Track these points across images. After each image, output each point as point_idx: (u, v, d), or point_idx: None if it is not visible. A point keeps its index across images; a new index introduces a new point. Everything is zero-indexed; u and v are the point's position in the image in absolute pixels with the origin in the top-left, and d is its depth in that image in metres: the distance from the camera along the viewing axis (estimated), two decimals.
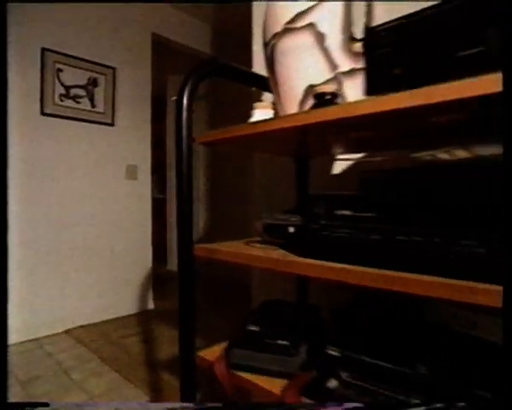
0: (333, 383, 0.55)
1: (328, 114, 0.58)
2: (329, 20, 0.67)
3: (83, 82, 2.59)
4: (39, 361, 2.03)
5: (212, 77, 0.83)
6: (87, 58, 2.59)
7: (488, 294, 0.42)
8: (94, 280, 2.63)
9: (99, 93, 2.68)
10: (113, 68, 2.73)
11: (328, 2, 0.68)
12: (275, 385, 0.63)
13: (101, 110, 2.69)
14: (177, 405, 1.03)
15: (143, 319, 2.74)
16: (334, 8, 0.67)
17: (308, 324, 0.72)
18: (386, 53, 0.56)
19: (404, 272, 0.49)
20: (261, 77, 0.89)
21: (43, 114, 2.40)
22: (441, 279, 0.46)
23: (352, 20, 0.67)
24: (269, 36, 0.74)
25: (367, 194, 0.57)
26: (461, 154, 0.62)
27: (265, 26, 0.76)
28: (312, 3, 0.67)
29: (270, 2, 0.75)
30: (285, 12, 0.70)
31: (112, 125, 2.75)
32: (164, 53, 3.45)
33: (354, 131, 0.66)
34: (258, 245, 0.77)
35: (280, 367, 0.62)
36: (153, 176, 3.05)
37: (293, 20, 0.69)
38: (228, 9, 3.12)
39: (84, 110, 2.60)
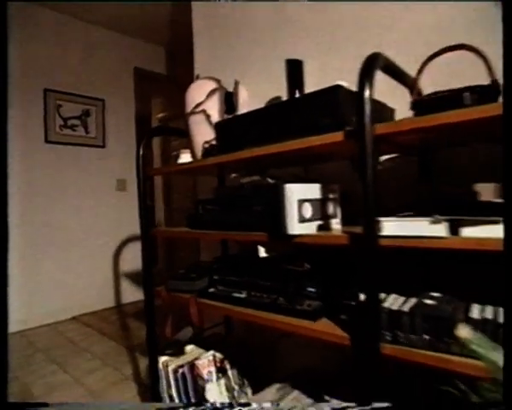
0: (212, 290, 1.13)
1: (217, 159, 1.15)
2: (213, 107, 1.25)
3: (78, 113, 3.17)
4: (54, 337, 2.61)
5: (159, 135, 1.41)
6: (80, 93, 3.17)
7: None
8: (96, 274, 3.20)
9: (91, 121, 3.25)
10: (102, 100, 3.31)
11: (214, 96, 1.26)
12: (187, 297, 1.19)
13: (94, 135, 3.27)
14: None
15: (139, 305, 3.29)
16: (216, 101, 1.25)
17: (208, 266, 1.29)
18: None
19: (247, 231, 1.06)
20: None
21: (46, 141, 2.97)
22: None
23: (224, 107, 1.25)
24: (186, 111, 1.32)
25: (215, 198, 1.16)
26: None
27: (185, 106, 1.34)
28: (207, 98, 1.26)
29: (187, 92, 1.33)
30: (192, 101, 1.29)
31: (103, 146, 3.32)
32: (146, 79, 4.03)
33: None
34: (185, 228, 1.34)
35: (190, 288, 1.20)
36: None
37: (196, 106, 1.28)
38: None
39: (79, 136, 3.17)
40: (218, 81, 1.30)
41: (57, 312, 2.97)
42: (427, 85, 0.87)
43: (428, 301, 0.71)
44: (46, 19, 2.98)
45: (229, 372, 1.35)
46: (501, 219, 0.59)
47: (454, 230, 0.64)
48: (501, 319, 0.63)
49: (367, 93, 0.70)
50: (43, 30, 2.97)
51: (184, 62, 1.94)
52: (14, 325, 2.65)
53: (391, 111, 1.00)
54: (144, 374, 1.90)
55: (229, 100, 1.30)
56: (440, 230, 0.64)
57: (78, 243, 3.13)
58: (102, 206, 3.29)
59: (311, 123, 0.87)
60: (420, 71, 0.86)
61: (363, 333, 0.75)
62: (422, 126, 0.68)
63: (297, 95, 1.12)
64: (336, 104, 0.81)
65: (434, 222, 0.64)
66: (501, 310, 0.67)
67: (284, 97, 1.22)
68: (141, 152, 1.34)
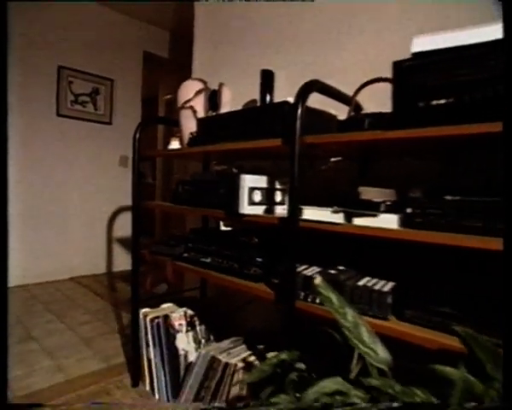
0: (185, 255, 1.39)
1: (197, 149, 1.40)
2: (199, 104, 1.49)
3: (88, 91, 3.40)
4: (53, 293, 2.90)
5: (153, 124, 1.65)
6: (91, 72, 3.40)
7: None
8: (93, 241, 3.48)
9: (100, 99, 3.49)
10: (112, 80, 3.54)
11: (201, 95, 1.50)
12: (166, 259, 1.44)
13: (102, 112, 3.51)
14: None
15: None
16: (202, 99, 1.49)
17: (186, 236, 1.54)
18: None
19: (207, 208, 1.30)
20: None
21: (58, 115, 3.22)
22: None
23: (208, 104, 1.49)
24: (178, 106, 1.56)
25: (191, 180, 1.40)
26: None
27: (177, 100, 1.57)
28: (194, 96, 1.49)
29: (179, 89, 1.56)
30: (182, 97, 1.52)
31: (110, 123, 3.57)
32: (154, 62, 4.24)
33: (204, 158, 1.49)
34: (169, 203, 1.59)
35: (169, 252, 1.45)
36: (146, 163, 3.88)
37: (185, 102, 1.51)
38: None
39: (88, 112, 3.41)
40: (204, 83, 1.53)
41: (56, 271, 3.26)
42: (373, 104, 1.08)
43: (332, 271, 0.95)
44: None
45: (198, 328, 1.61)
46: (378, 212, 0.83)
47: (349, 219, 0.89)
48: (385, 288, 0.87)
49: (299, 111, 0.93)
50: (57, 10, 3.18)
51: (190, 48, 2.17)
52: (15, 279, 2.94)
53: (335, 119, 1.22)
54: (128, 328, 2.18)
55: (214, 98, 1.54)
56: (339, 218, 0.88)
57: (78, 213, 3.40)
58: (104, 179, 3.54)
59: (267, 128, 1.11)
60: (354, 94, 1.10)
61: (284, 292, 1.00)
62: (333, 141, 0.91)
63: (267, 100, 1.36)
64: (283, 116, 1.04)
65: (335, 212, 0.88)
66: (390, 283, 0.91)
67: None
68: (137, 136, 1.58)
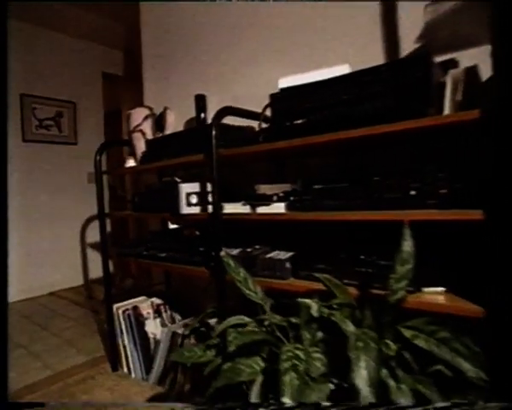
0: (145, 252, 1.68)
1: (146, 166, 1.69)
2: (148, 127, 1.78)
3: (51, 115, 3.62)
4: (34, 307, 3.12)
5: (111, 147, 1.93)
6: (54, 97, 3.61)
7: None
8: (67, 255, 3.70)
9: (64, 122, 3.71)
10: (74, 103, 3.76)
11: (149, 119, 1.79)
12: (131, 260, 1.73)
13: (67, 134, 3.73)
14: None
15: None
16: (149, 123, 1.78)
17: (146, 237, 1.83)
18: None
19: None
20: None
21: (24, 141, 3.42)
22: None
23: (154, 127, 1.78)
24: (129, 129, 1.84)
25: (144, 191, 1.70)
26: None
27: (129, 125, 1.86)
28: (143, 121, 1.78)
29: (129, 115, 1.85)
30: (133, 123, 1.81)
31: (75, 143, 3.79)
32: (113, 81, 4.47)
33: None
34: None
35: (133, 252, 1.74)
36: (117, 177, 4.12)
37: (136, 127, 1.80)
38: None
39: (53, 135, 3.63)
40: (150, 109, 1.83)
41: (35, 288, 3.46)
42: None
43: (248, 249, 1.28)
44: (14, 29, 3.37)
45: (164, 314, 1.91)
46: (271, 202, 1.15)
47: (253, 209, 1.21)
48: (285, 257, 1.20)
49: (213, 132, 1.25)
50: (14, 41, 3.37)
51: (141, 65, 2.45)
52: None
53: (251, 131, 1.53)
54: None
55: (160, 121, 1.84)
56: (246, 209, 1.21)
57: (51, 230, 3.61)
58: (74, 196, 3.76)
59: (196, 146, 1.41)
60: (261, 115, 1.42)
61: (216, 270, 1.31)
62: (238, 153, 1.24)
63: (202, 117, 1.68)
64: (205, 136, 1.36)
65: (243, 205, 1.20)
66: (289, 254, 1.24)
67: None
68: (97, 158, 1.86)
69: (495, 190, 0.75)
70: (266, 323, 0.96)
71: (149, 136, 1.79)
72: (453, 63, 1.05)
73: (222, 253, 1.04)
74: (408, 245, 0.79)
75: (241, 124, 1.47)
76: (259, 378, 0.80)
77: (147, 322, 1.82)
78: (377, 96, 0.91)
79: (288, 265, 1.18)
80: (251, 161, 1.56)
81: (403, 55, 1.17)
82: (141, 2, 2.37)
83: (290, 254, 1.21)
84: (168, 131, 1.81)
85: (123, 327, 1.86)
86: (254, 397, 0.75)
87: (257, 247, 1.31)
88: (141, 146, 1.80)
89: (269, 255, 1.23)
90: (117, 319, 1.88)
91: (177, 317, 1.92)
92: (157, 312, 1.89)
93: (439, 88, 0.90)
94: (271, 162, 1.59)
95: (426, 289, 0.94)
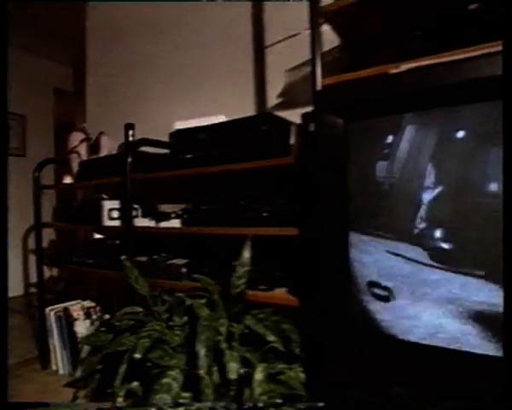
0: (75, 259, 1.91)
1: (80, 184, 1.93)
2: (83, 149, 2.03)
3: None
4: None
5: (49, 164, 2.15)
6: None
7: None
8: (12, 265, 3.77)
9: (13, 134, 3.83)
10: (23, 116, 3.91)
11: (84, 143, 2.04)
12: (63, 266, 1.95)
13: (16, 146, 3.85)
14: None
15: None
16: (84, 146, 2.03)
17: (79, 246, 2.06)
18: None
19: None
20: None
21: None
22: None
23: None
24: (67, 150, 2.08)
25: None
26: None
27: (67, 146, 2.09)
28: (79, 144, 2.03)
29: (67, 138, 2.09)
30: (70, 144, 2.05)
31: (24, 155, 3.92)
32: (64, 96, 4.63)
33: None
34: None
35: (65, 259, 1.96)
36: None
37: (72, 148, 2.04)
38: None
39: None
40: (87, 133, 2.08)
41: None
42: None
43: (155, 256, 1.55)
44: None
45: (93, 316, 2.12)
46: (169, 218, 1.44)
47: (157, 223, 1.50)
48: (181, 263, 1.48)
49: (129, 159, 1.53)
50: None
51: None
52: None
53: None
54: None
55: (96, 144, 2.09)
56: (151, 223, 1.49)
57: None
58: (20, 206, 3.87)
59: (117, 169, 1.68)
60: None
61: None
62: (145, 178, 1.53)
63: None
64: (125, 162, 1.63)
65: (149, 220, 1.49)
66: (185, 260, 1.52)
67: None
68: (36, 174, 2.08)
69: (304, 213, 1.08)
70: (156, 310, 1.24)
71: (84, 157, 2.04)
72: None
73: (122, 257, 1.31)
74: (247, 253, 1.11)
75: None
76: (141, 349, 1.08)
77: (76, 323, 2.03)
78: (238, 142, 1.23)
79: (183, 269, 1.46)
80: (163, 183, 1.85)
81: (270, 105, 1.52)
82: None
83: (185, 260, 1.50)
84: (103, 154, 2.06)
85: (54, 327, 2.06)
86: (127, 359, 1.03)
87: (163, 255, 1.59)
88: (76, 166, 2.04)
89: (170, 262, 1.51)
90: (48, 320, 2.07)
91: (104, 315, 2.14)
92: (87, 313, 2.10)
93: (285, 136, 1.24)
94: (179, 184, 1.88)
95: (277, 290, 1.26)
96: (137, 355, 0.95)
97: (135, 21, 2.22)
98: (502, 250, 0.73)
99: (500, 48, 0.79)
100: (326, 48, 1.43)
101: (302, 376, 1.08)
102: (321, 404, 0.97)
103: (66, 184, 2.07)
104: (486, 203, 0.80)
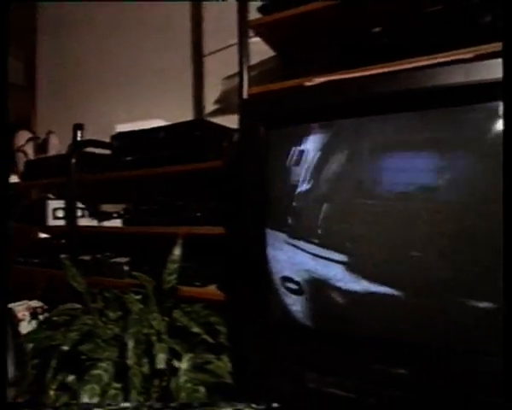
0: (21, 260, 1.90)
1: (26, 184, 1.92)
2: (30, 149, 2.02)
3: None
4: None
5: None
6: None
7: None
8: None
9: None
10: None
11: (30, 142, 2.03)
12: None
13: None
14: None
15: None
16: (31, 145, 2.02)
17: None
18: None
19: None
20: None
21: None
22: None
23: None
24: (14, 149, 2.06)
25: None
26: None
27: (13, 144, 2.07)
28: (26, 143, 2.01)
29: (16, 137, 2.07)
30: (17, 142, 2.03)
31: None
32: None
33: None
34: None
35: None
36: None
37: (19, 147, 2.02)
38: None
39: None
40: (34, 133, 2.08)
41: None
42: None
43: (98, 255, 1.58)
44: None
45: (40, 316, 2.11)
46: (111, 218, 1.48)
47: (100, 222, 1.53)
48: (123, 261, 1.52)
49: (73, 160, 1.55)
50: None
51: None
52: None
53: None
54: None
55: (44, 144, 2.08)
56: (94, 222, 1.52)
57: None
58: None
59: (63, 169, 1.70)
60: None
61: None
62: (92, 179, 1.56)
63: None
64: (69, 163, 1.64)
65: (91, 219, 1.52)
66: (127, 258, 1.57)
67: None
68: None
69: (230, 213, 1.16)
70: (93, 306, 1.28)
71: (31, 156, 2.03)
72: None
73: (62, 256, 1.34)
74: (178, 250, 1.17)
75: None
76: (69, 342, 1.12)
77: (21, 324, 2.01)
78: (174, 146, 1.30)
79: (125, 267, 1.51)
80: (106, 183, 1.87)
81: (208, 111, 1.60)
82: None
83: (128, 259, 1.55)
84: (51, 153, 2.06)
85: None
86: (58, 352, 1.07)
87: (107, 254, 1.62)
88: (22, 165, 2.02)
89: (113, 260, 1.55)
90: None
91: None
92: (33, 314, 2.09)
93: (219, 141, 1.32)
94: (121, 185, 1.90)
95: (210, 286, 1.33)
96: (65, 347, 0.99)
97: (85, 19, 2.23)
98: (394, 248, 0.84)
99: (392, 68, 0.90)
100: (263, 57, 1.53)
101: (229, 365, 1.15)
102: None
103: (14, 183, 2.06)
104: (382, 205, 0.91)
